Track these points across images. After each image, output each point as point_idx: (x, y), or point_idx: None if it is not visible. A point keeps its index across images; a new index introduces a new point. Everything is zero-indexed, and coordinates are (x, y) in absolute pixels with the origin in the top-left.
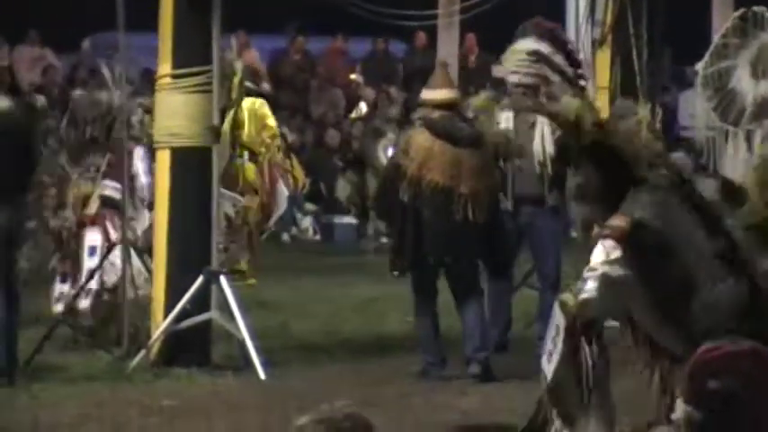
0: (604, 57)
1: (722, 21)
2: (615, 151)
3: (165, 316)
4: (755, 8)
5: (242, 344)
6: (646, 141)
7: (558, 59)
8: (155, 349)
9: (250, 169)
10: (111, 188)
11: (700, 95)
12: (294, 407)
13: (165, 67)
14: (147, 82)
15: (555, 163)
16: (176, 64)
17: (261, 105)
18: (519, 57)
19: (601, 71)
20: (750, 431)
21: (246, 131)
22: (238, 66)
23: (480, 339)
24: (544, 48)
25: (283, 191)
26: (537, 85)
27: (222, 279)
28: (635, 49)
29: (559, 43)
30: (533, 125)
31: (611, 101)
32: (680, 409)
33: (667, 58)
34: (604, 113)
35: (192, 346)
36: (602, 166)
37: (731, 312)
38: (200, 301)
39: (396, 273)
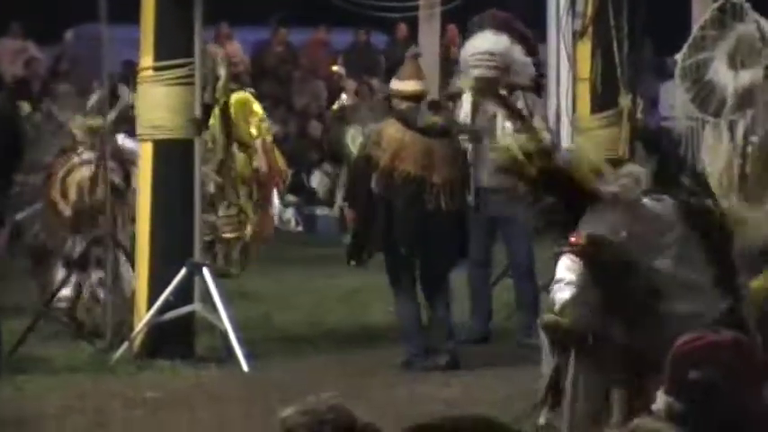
0: (585, 48)
1: (702, 12)
2: (564, 177)
3: (149, 308)
4: (734, 0)
5: (225, 335)
6: (592, 164)
7: (516, 50)
8: (138, 341)
9: (240, 159)
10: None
11: (678, 87)
12: (277, 398)
13: (147, 60)
14: (129, 74)
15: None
16: (158, 56)
17: (246, 96)
18: (479, 55)
19: (582, 62)
20: (731, 421)
21: (234, 123)
22: (222, 71)
23: (448, 329)
24: (503, 40)
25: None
26: (497, 78)
27: (205, 271)
28: (615, 41)
29: (516, 33)
30: (494, 117)
31: (592, 92)
32: (660, 400)
33: (648, 50)
34: (584, 105)
35: (176, 338)
36: (556, 192)
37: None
38: (184, 293)
39: (353, 262)
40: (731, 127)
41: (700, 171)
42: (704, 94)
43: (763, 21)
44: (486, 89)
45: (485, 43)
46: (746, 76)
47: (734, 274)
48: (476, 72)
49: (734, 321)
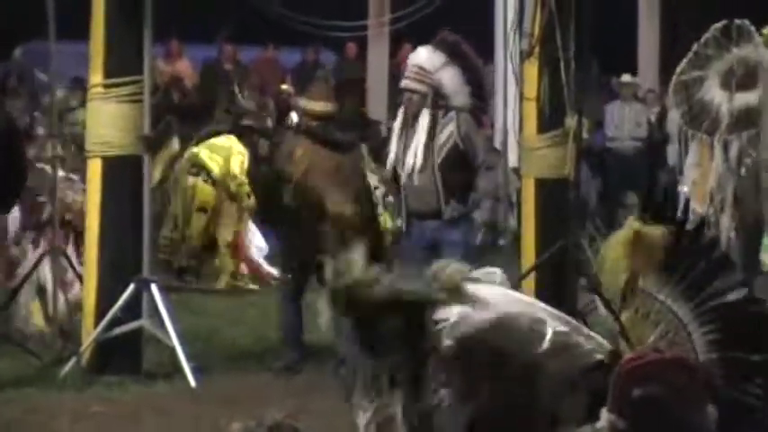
0: (533, 68)
1: (648, 34)
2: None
3: (97, 323)
4: (737, 21)
5: (172, 351)
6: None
7: (451, 72)
8: (86, 356)
9: (205, 190)
10: None
11: (670, 99)
12: (224, 414)
13: (96, 77)
14: (78, 90)
15: None
16: (108, 73)
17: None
18: (410, 67)
19: (529, 82)
20: None
21: (215, 166)
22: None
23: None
24: (437, 59)
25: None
26: (424, 91)
27: (153, 287)
28: (562, 61)
29: (460, 58)
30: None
31: (539, 111)
32: (603, 418)
33: (594, 70)
34: (531, 124)
35: (124, 354)
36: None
37: None
38: (132, 309)
39: (289, 275)
40: (725, 146)
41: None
42: (696, 111)
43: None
44: (410, 102)
45: (418, 58)
46: (742, 99)
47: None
48: (402, 83)
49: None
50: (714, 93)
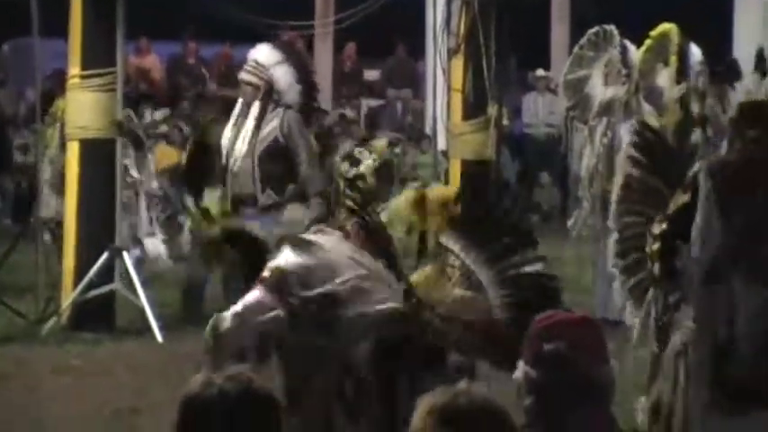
0: (459, 63)
1: (559, 34)
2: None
3: (75, 287)
4: (606, 26)
5: (142, 311)
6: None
7: (284, 70)
8: (65, 316)
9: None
10: None
11: (560, 97)
12: (190, 367)
13: (74, 69)
14: (58, 81)
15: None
16: (85, 66)
17: None
18: (248, 62)
19: (455, 75)
20: (578, 388)
21: None
22: None
23: None
24: (273, 56)
25: None
26: (257, 84)
27: (125, 254)
28: (485, 57)
29: (293, 55)
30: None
31: (464, 101)
32: (519, 369)
33: (513, 65)
34: (457, 112)
35: (99, 313)
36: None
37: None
38: (106, 274)
39: None
40: (591, 131)
41: None
42: (583, 105)
43: (629, 46)
44: (245, 93)
45: (256, 53)
46: (611, 91)
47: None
48: (239, 75)
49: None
50: (598, 88)
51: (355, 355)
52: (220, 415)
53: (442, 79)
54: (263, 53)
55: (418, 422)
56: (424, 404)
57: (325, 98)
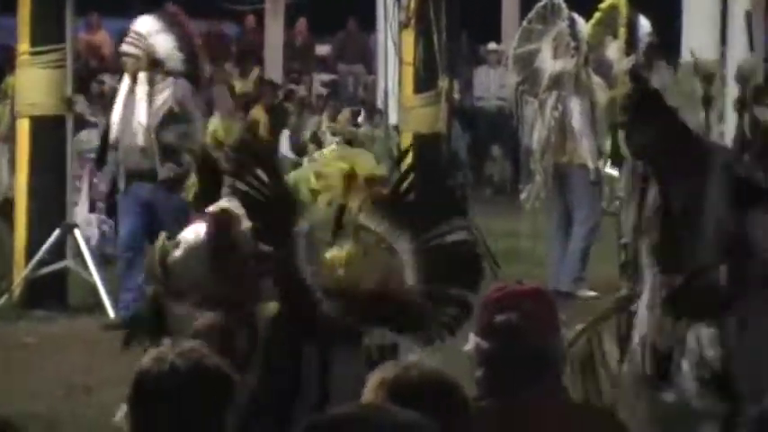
0: (409, 37)
1: (510, 7)
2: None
3: (27, 264)
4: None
5: (94, 287)
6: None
7: (164, 38)
8: (17, 293)
9: None
10: None
11: (510, 71)
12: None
13: (24, 46)
14: (7, 57)
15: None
16: (34, 42)
17: None
18: (130, 33)
19: (407, 49)
20: (529, 359)
21: None
22: None
23: None
24: (154, 26)
25: None
26: (138, 54)
27: (76, 231)
28: (435, 31)
29: (174, 25)
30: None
31: (416, 75)
32: (471, 341)
33: (463, 39)
34: (408, 86)
35: (51, 291)
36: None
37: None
38: (58, 251)
39: None
40: (541, 104)
41: None
42: (533, 79)
43: (577, 19)
44: (126, 64)
45: (137, 24)
46: (560, 64)
47: None
48: (120, 47)
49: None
50: (547, 62)
51: (259, 316)
52: (172, 390)
53: (394, 53)
54: (142, 24)
55: (369, 395)
56: (375, 378)
57: (276, 73)
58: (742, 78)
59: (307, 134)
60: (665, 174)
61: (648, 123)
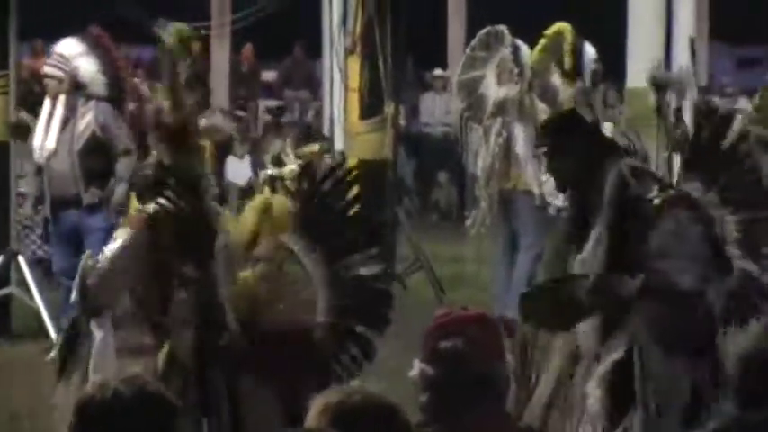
0: (355, 62)
1: (456, 34)
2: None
3: None
4: (497, 27)
5: (38, 314)
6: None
7: (87, 61)
8: None
9: None
10: None
11: (454, 98)
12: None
13: None
14: None
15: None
16: None
17: None
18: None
19: (352, 75)
20: (474, 385)
21: None
22: None
23: None
24: (76, 48)
25: None
26: (60, 77)
27: (20, 258)
28: (381, 57)
29: (98, 48)
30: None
31: (361, 101)
32: (416, 367)
33: (409, 65)
34: (354, 112)
35: None
36: None
37: None
38: (1, 278)
39: None
40: (486, 131)
41: None
42: (477, 105)
43: (521, 45)
44: (48, 87)
45: (60, 46)
46: (504, 90)
47: None
48: (42, 69)
49: None
50: (491, 88)
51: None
52: (115, 417)
53: (339, 79)
54: (66, 46)
55: (312, 421)
56: (318, 403)
57: (221, 99)
58: (657, 86)
59: (268, 157)
60: (584, 196)
61: (566, 148)
